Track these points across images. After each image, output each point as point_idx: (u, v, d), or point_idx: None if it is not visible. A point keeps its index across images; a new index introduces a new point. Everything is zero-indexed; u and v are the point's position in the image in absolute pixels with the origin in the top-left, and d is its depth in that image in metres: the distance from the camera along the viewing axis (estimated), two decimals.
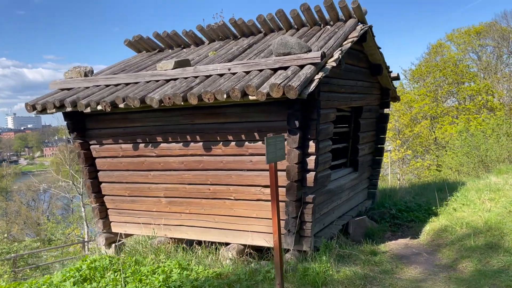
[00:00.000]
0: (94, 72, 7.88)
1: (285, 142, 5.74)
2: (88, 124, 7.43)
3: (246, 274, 5.56)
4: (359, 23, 7.17)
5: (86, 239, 23.54)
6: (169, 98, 5.76)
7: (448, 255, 5.96)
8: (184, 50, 8.67)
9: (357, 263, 5.77)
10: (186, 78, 6.34)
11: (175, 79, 6.44)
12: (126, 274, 5.70)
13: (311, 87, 5.21)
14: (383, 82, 9.05)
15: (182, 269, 5.86)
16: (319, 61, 5.38)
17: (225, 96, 5.38)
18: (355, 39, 6.59)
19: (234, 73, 5.97)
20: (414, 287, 4.97)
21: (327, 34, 6.72)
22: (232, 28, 8.26)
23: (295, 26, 7.81)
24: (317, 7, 7.24)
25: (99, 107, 6.44)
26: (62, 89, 7.43)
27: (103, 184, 7.68)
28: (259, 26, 8.03)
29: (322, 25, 7.52)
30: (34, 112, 7.15)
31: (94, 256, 6.73)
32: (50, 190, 35.16)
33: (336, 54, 5.86)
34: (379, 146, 9.43)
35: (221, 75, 6.07)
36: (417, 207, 8.49)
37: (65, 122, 7.48)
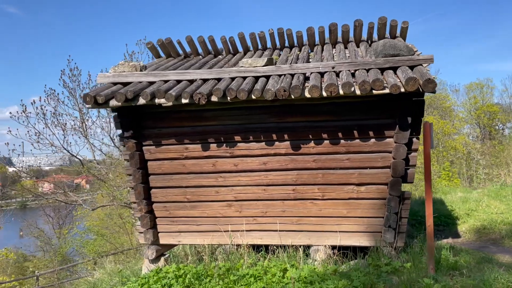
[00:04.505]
0: None
1: (393, 138, 6.04)
2: (145, 122, 6.78)
3: (369, 267, 5.56)
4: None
5: None
6: (284, 91, 5.66)
7: None
8: (220, 57, 8.50)
9: (452, 253, 6.15)
10: (280, 75, 6.27)
11: (266, 76, 6.31)
12: (229, 279, 5.28)
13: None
14: None
15: (295, 268, 5.62)
16: (432, 62, 5.86)
17: (352, 89, 5.50)
18: (419, 54, 7.26)
19: (337, 72, 6.11)
20: None
21: None
22: (277, 39, 8.41)
23: (341, 41, 8.27)
24: (371, 24, 7.82)
25: (184, 100, 6.01)
26: (115, 83, 6.70)
27: (153, 190, 6.96)
28: (306, 38, 8.31)
29: (369, 42, 8.11)
30: (89, 105, 6.30)
31: (167, 267, 6.04)
32: None
33: None
34: None
35: (321, 73, 6.15)
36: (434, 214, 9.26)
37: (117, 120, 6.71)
